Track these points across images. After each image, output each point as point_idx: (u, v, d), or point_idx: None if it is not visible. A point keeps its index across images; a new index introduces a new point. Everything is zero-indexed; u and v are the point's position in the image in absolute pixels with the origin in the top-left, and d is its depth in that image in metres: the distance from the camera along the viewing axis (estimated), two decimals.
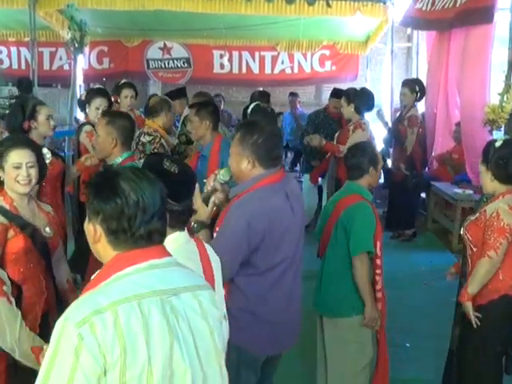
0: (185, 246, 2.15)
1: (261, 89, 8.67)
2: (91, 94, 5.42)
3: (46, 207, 3.12)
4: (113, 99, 6.44)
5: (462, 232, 3.47)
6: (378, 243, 3.43)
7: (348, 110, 6.26)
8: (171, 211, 2.07)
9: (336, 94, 7.56)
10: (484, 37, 6.65)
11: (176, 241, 2.11)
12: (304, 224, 3.04)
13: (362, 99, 6.21)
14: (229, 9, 7.91)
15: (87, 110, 5.31)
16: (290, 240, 2.80)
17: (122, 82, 6.72)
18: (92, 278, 1.71)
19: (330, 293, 3.53)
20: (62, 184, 4.56)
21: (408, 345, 4.24)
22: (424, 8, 7.97)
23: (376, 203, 3.91)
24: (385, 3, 8.25)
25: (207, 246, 2.29)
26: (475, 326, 3.28)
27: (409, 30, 11.39)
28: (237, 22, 9.25)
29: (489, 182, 3.32)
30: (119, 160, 3.80)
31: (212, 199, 2.98)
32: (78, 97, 5.55)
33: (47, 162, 3.48)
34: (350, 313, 3.47)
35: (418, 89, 7.36)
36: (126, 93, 6.27)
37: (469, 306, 3.26)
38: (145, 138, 5.13)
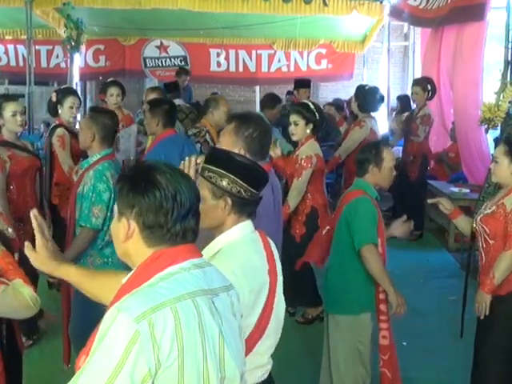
0: (251, 235, 2.22)
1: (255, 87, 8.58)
2: (62, 93, 5.25)
3: None
4: (100, 98, 6.43)
5: (474, 225, 3.48)
6: (379, 240, 3.39)
7: (354, 107, 6.40)
8: (243, 199, 2.13)
9: (300, 84, 7.59)
10: (476, 35, 6.67)
11: (245, 228, 2.18)
12: (281, 224, 3.07)
13: (365, 98, 6.25)
14: (226, 7, 7.92)
15: (60, 111, 5.16)
16: (269, 233, 2.71)
17: (109, 80, 6.72)
18: (125, 280, 1.59)
19: (334, 287, 3.51)
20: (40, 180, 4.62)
21: (405, 343, 4.25)
22: (421, 6, 7.98)
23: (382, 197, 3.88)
24: (381, 2, 8.26)
25: (269, 239, 2.31)
26: (482, 317, 3.30)
27: (405, 29, 11.43)
28: (234, 21, 9.25)
29: (508, 175, 3.32)
30: (96, 157, 3.72)
31: None
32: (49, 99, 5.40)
33: None
34: (354, 311, 3.42)
35: (429, 87, 7.29)
36: (112, 91, 6.26)
37: (488, 298, 3.27)
38: (191, 131, 5.39)
